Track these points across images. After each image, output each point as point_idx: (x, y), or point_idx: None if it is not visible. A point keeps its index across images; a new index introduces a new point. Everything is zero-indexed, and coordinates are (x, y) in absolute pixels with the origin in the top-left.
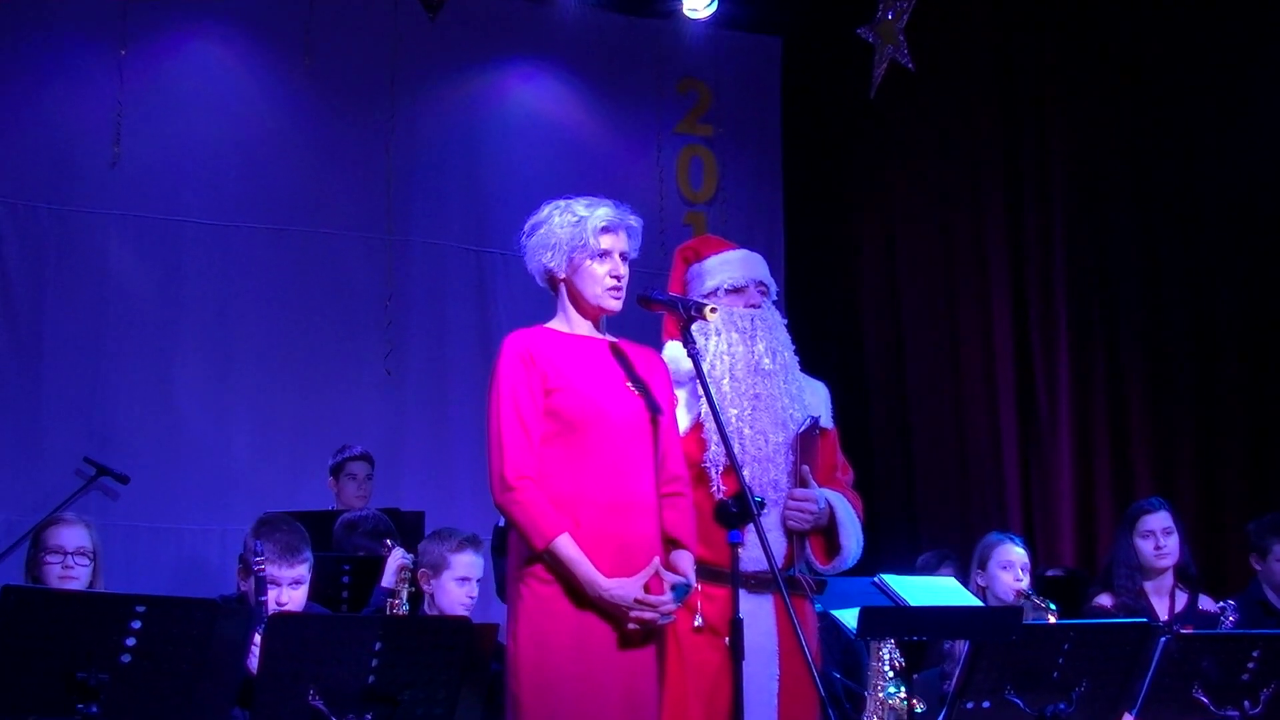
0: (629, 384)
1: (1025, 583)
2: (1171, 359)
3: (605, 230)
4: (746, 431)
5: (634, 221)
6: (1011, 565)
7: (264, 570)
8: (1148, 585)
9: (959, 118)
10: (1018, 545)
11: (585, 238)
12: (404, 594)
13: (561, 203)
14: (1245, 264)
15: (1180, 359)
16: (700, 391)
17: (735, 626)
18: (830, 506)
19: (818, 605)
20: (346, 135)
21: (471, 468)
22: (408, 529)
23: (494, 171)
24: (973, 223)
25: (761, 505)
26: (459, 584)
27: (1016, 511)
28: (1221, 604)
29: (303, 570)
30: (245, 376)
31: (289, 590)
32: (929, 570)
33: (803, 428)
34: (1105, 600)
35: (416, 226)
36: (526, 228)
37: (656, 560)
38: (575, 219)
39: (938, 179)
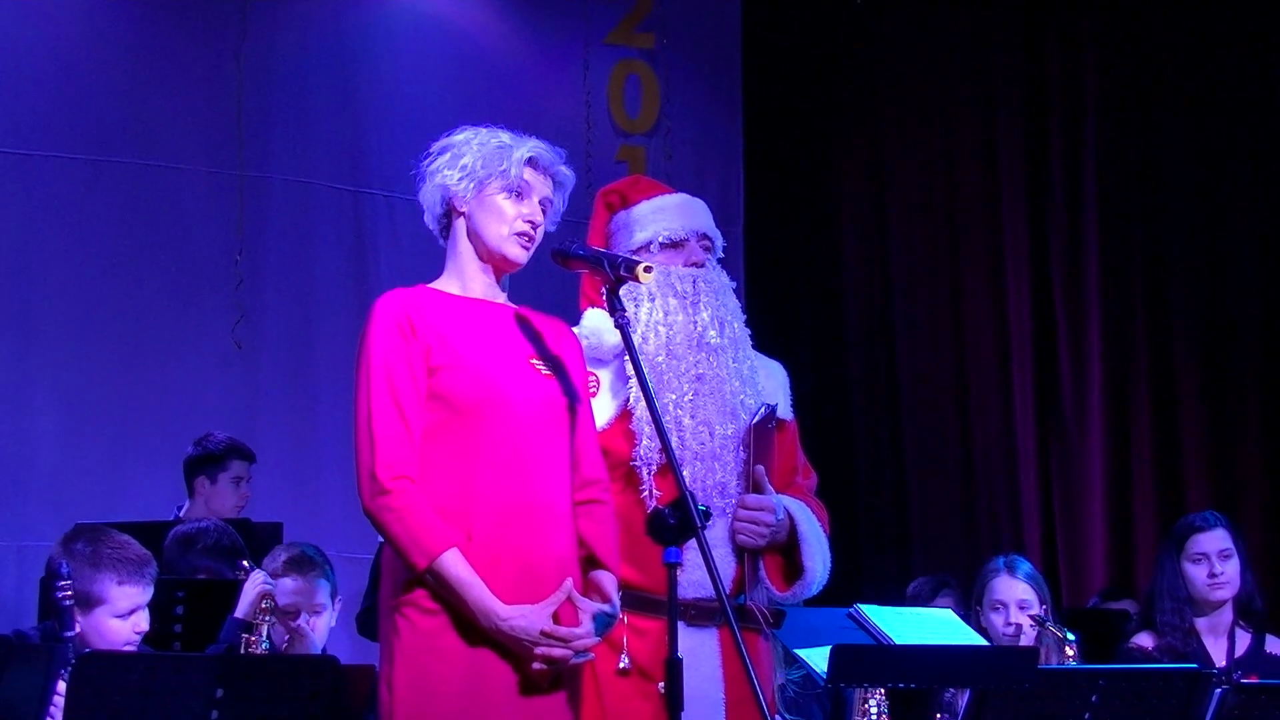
0: (536, 361)
1: (1023, 623)
2: (1234, 335)
3: (532, 164)
4: (687, 422)
5: (566, 170)
6: (1004, 606)
7: (70, 599)
8: (1200, 622)
9: (968, 25)
10: (1019, 578)
11: (506, 164)
12: (265, 629)
13: (483, 129)
14: None
15: (1245, 335)
16: (629, 371)
17: (672, 668)
18: (790, 518)
19: (796, 650)
20: (185, 41)
21: (343, 467)
22: (262, 545)
23: (374, 92)
24: (983, 161)
25: (707, 515)
26: (287, 617)
27: (1035, 528)
28: None
29: (150, 592)
30: (50, 349)
31: (143, 616)
32: (922, 600)
33: (757, 418)
34: (1146, 640)
35: (275, 160)
36: (434, 149)
37: (569, 583)
38: (499, 142)
39: (940, 104)
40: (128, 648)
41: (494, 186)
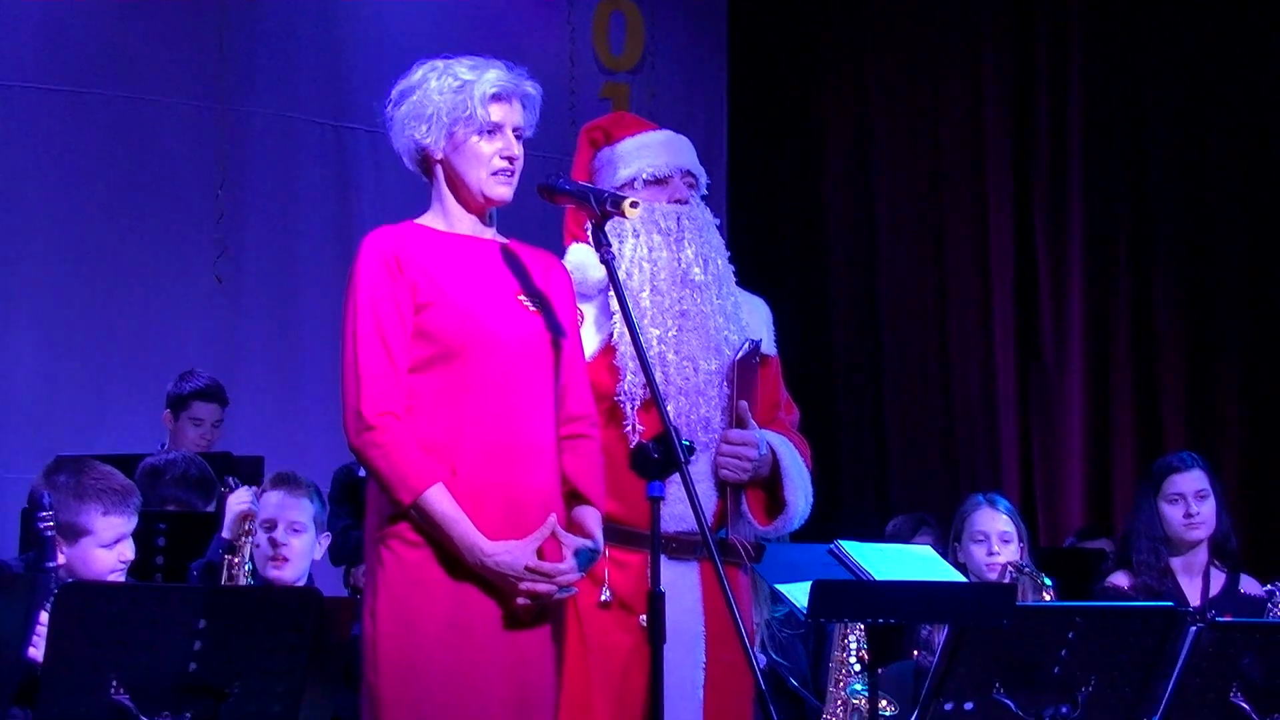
0: (523, 297)
1: (1004, 556)
2: (1215, 279)
3: (496, 98)
4: (670, 357)
5: (531, 89)
6: (986, 537)
7: (52, 529)
8: (1175, 562)
9: None
10: (1000, 510)
11: (470, 107)
12: (248, 550)
13: (439, 63)
14: None
15: (1228, 277)
16: (614, 307)
17: (655, 601)
18: (773, 452)
19: (776, 585)
20: None
21: (325, 402)
22: (243, 479)
23: (357, 25)
24: (968, 101)
25: (690, 450)
26: (264, 530)
27: (1013, 468)
28: (1269, 587)
29: (134, 521)
30: (30, 282)
31: (128, 546)
32: (902, 539)
33: (740, 354)
34: (1122, 580)
35: (258, 94)
36: (394, 95)
37: (553, 519)
38: (457, 84)
39: (925, 41)
40: (114, 577)
41: (463, 131)
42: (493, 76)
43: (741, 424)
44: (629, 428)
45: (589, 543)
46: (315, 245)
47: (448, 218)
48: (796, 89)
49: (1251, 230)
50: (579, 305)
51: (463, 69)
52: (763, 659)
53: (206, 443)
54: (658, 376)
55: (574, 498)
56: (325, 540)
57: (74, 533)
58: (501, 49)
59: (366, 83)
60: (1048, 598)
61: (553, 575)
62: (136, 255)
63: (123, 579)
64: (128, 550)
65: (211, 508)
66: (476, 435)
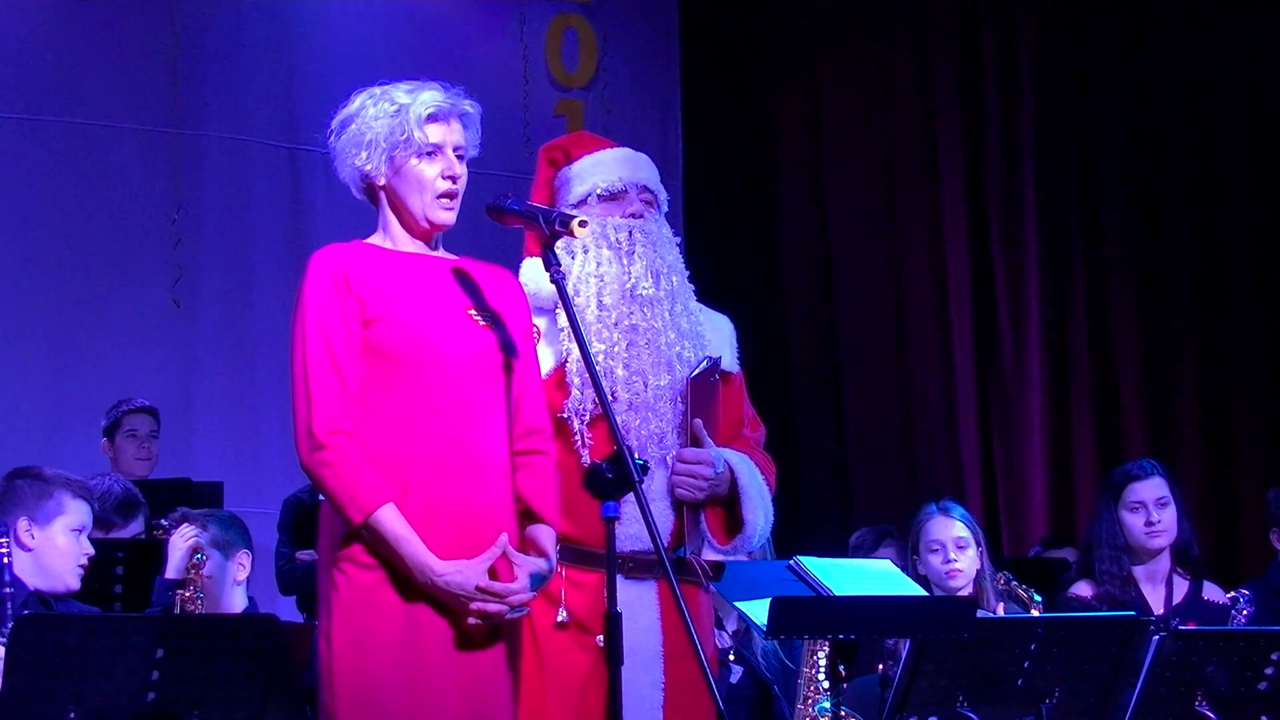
0: (474, 312)
1: (962, 564)
2: (1172, 285)
3: (433, 119)
4: (620, 372)
5: (469, 107)
6: (942, 546)
7: (8, 554)
8: (1137, 570)
9: None
10: (953, 518)
11: (408, 130)
12: (200, 583)
13: (376, 90)
14: (1270, 162)
15: (1183, 286)
16: (563, 323)
17: (612, 622)
18: (731, 470)
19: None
20: None
21: (283, 426)
22: (203, 504)
23: (309, 47)
24: (920, 113)
25: (644, 469)
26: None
27: (975, 478)
28: (1232, 594)
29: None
30: None
31: (87, 541)
32: (865, 551)
33: (696, 371)
34: (1084, 590)
35: (211, 117)
36: (334, 125)
37: (505, 538)
38: (394, 108)
39: (876, 56)
40: (76, 573)
41: (403, 155)
42: (428, 98)
43: (697, 442)
44: (577, 442)
45: (542, 562)
46: (271, 268)
47: (394, 240)
48: (750, 102)
49: (1205, 237)
50: (535, 319)
51: (399, 93)
52: (738, 670)
53: (147, 455)
54: (605, 391)
55: (528, 516)
56: (246, 559)
57: (46, 515)
58: (454, 68)
59: (319, 104)
60: (1036, 613)
61: (504, 595)
62: (91, 282)
63: (78, 581)
64: (88, 545)
65: (133, 529)
66: (428, 452)
